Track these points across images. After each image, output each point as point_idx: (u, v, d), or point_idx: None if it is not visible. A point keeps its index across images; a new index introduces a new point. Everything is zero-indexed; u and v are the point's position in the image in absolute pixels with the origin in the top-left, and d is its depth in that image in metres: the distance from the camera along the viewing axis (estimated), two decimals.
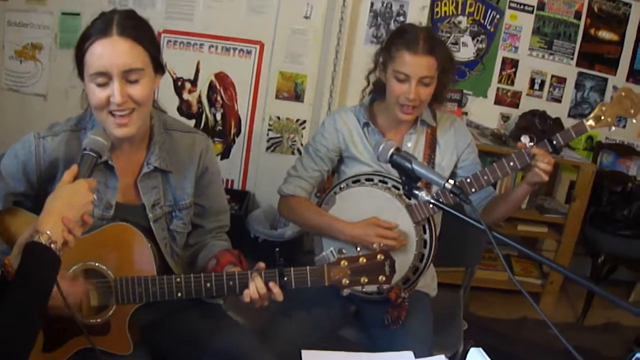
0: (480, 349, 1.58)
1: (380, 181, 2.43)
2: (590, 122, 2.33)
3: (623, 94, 2.35)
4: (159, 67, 1.96)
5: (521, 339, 3.88)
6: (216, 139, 4.38)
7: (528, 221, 4.36)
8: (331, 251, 2.44)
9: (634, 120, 2.37)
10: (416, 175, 1.81)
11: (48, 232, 1.57)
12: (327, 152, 2.56)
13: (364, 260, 1.97)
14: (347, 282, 1.97)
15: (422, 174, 1.80)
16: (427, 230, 2.40)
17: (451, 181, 1.75)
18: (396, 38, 2.41)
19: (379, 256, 1.97)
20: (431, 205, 2.25)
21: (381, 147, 1.91)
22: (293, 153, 4.33)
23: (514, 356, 3.61)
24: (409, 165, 1.82)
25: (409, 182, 1.83)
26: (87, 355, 1.88)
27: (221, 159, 4.39)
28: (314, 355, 1.89)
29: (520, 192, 2.40)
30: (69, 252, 1.69)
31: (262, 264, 1.99)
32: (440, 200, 1.88)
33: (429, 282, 2.65)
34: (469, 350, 1.59)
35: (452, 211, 1.76)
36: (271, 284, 1.94)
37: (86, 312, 1.93)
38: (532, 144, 2.28)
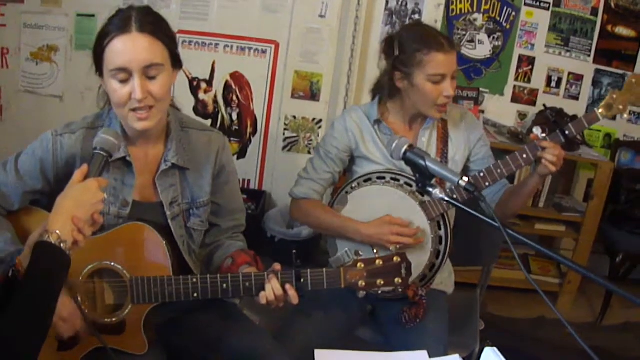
0: (495, 348, 1.56)
1: (392, 179, 2.42)
2: (602, 111, 2.32)
3: (634, 80, 2.33)
4: (177, 62, 1.98)
5: (539, 339, 3.86)
6: (232, 139, 4.38)
7: (546, 220, 4.34)
8: (346, 252, 2.43)
9: None
10: (430, 172, 1.80)
11: (57, 232, 1.58)
12: (337, 152, 2.55)
13: (381, 263, 1.96)
14: (364, 284, 1.96)
15: (435, 171, 1.80)
16: (442, 227, 2.38)
17: (465, 178, 1.74)
18: (417, 43, 2.37)
19: (395, 258, 1.96)
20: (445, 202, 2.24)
21: (394, 144, 1.91)
22: (309, 152, 4.31)
23: (532, 356, 3.59)
24: (422, 162, 1.81)
25: (422, 179, 1.82)
26: (102, 354, 1.88)
27: (237, 158, 4.39)
28: (327, 354, 1.88)
29: (531, 184, 2.40)
30: (84, 252, 1.70)
31: (278, 266, 1.99)
32: (454, 196, 1.86)
33: (445, 279, 2.64)
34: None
35: (468, 209, 1.75)
36: (287, 287, 1.94)
37: (101, 312, 1.93)
38: (544, 135, 2.28)
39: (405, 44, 2.41)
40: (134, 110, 1.86)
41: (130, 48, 1.82)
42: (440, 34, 2.40)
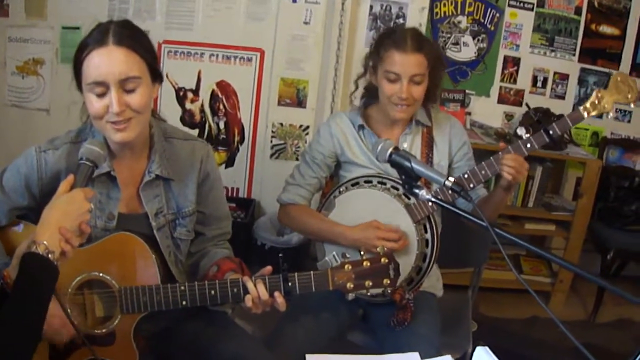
0: (487, 347, 1.56)
1: (379, 182, 2.43)
2: (588, 109, 2.34)
3: (619, 78, 2.36)
4: (157, 76, 1.97)
5: (532, 339, 3.87)
6: (220, 148, 4.37)
7: (535, 219, 4.35)
8: (333, 255, 2.43)
9: (632, 105, 2.38)
10: (415, 173, 1.79)
11: (45, 243, 1.57)
12: (323, 158, 2.56)
13: (368, 264, 1.95)
14: (352, 286, 1.95)
15: (421, 172, 1.79)
16: (428, 230, 2.39)
17: (451, 178, 1.74)
18: (384, 39, 2.43)
19: (382, 259, 1.96)
20: (430, 204, 2.25)
21: (380, 147, 1.90)
22: (297, 159, 4.29)
23: (526, 356, 3.58)
24: (408, 164, 1.81)
25: (408, 181, 1.82)
26: None
27: (225, 167, 4.38)
28: (319, 359, 1.88)
29: (496, 197, 2.43)
30: (72, 263, 1.69)
31: (269, 268, 1.98)
32: (440, 198, 1.87)
33: (434, 283, 2.64)
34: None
35: (455, 209, 1.75)
36: (276, 294, 1.93)
37: (91, 323, 1.93)
38: (528, 135, 2.30)
39: (378, 40, 2.48)
40: (111, 122, 1.85)
41: (106, 61, 1.81)
42: (413, 35, 2.39)
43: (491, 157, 2.33)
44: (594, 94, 2.36)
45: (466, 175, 2.35)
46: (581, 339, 1.35)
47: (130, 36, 1.86)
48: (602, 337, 3.84)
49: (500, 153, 2.32)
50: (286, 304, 1.95)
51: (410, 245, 2.36)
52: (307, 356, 1.86)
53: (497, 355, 1.54)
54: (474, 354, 1.57)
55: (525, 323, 4.05)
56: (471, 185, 2.35)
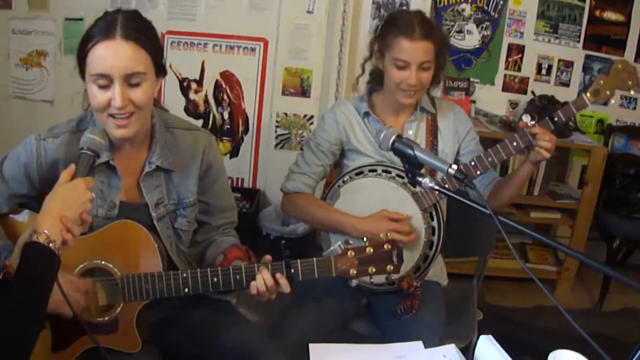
0: (490, 336, 1.56)
1: (383, 171, 2.41)
2: (589, 96, 2.34)
3: (620, 66, 2.37)
4: (160, 70, 1.95)
5: (538, 327, 3.86)
6: (224, 138, 4.37)
7: (541, 208, 4.34)
8: (339, 245, 2.41)
9: (632, 92, 2.38)
10: (419, 162, 1.78)
11: (46, 232, 1.56)
12: (329, 145, 2.55)
13: (371, 250, 1.94)
14: (355, 272, 1.94)
15: (424, 160, 1.77)
16: (435, 217, 2.38)
17: (454, 166, 1.72)
18: (391, 25, 2.41)
19: (386, 246, 1.95)
20: (437, 192, 2.24)
21: (382, 135, 1.88)
22: (302, 149, 4.28)
23: (531, 345, 3.56)
24: (410, 152, 1.79)
25: (412, 169, 1.80)
26: (96, 353, 1.85)
27: (230, 157, 4.39)
28: (321, 348, 1.88)
29: (524, 172, 2.41)
30: (75, 252, 1.69)
31: (268, 257, 1.98)
32: (446, 186, 1.86)
33: (438, 272, 2.63)
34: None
35: (457, 197, 1.73)
36: (278, 275, 1.93)
37: (94, 311, 1.92)
38: (533, 122, 2.29)
39: (384, 25, 2.46)
40: (112, 115, 1.84)
41: (112, 55, 1.79)
42: (420, 22, 2.37)
43: (497, 145, 2.34)
44: (595, 81, 2.38)
45: (473, 163, 2.34)
46: (587, 327, 1.34)
47: (138, 29, 1.84)
48: (608, 326, 3.83)
49: (524, 130, 2.30)
50: (290, 287, 1.95)
51: (418, 234, 2.35)
52: (311, 345, 1.86)
53: (502, 344, 1.54)
54: (478, 342, 1.57)
55: (531, 312, 4.04)
56: (477, 173, 2.34)
